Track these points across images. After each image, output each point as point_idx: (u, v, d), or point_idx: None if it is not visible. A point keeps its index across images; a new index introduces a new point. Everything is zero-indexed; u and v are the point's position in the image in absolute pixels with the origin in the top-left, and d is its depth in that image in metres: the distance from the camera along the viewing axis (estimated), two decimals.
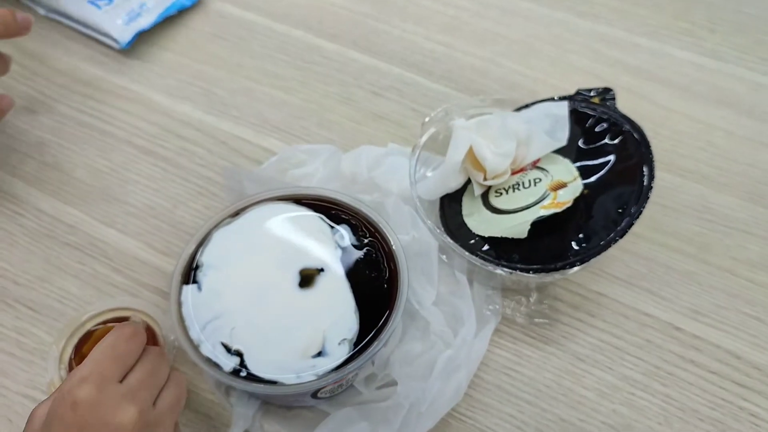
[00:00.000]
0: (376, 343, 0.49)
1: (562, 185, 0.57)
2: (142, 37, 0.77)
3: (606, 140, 0.58)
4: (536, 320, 0.57)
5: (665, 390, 0.54)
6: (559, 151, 0.59)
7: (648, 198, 0.52)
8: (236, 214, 0.56)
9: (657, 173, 0.55)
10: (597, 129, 0.59)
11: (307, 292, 0.51)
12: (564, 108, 0.59)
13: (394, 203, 0.57)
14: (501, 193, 0.58)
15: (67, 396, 0.39)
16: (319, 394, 0.50)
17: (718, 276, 0.60)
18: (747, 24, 0.79)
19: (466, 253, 0.55)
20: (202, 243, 0.54)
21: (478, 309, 0.56)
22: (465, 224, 0.58)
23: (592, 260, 0.53)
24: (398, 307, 0.50)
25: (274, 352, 0.49)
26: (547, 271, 0.53)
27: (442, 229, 0.59)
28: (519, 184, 0.58)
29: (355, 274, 0.52)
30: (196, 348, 0.49)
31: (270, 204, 0.56)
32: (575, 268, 0.53)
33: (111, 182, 0.67)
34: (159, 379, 0.45)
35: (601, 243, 0.52)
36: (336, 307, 0.50)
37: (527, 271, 0.54)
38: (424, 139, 0.61)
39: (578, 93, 0.62)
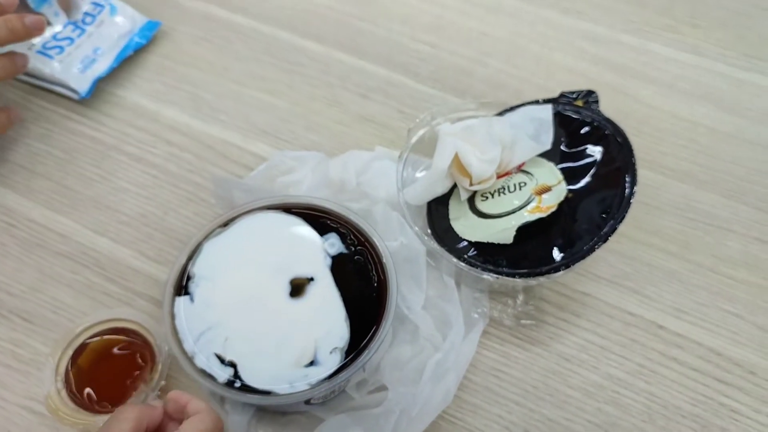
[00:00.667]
0: (366, 351, 0.50)
1: (547, 189, 0.58)
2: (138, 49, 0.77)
3: (589, 143, 0.59)
4: (523, 322, 0.58)
5: (649, 388, 0.56)
6: (544, 155, 0.59)
7: (630, 205, 0.53)
8: (226, 224, 0.57)
9: (640, 171, 0.56)
10: (580, 132, 0.60)
11: (298, 301, 0.52)
12: (548, 111, 0.60)
13: (382, 210, 0.58)
14: (487, 198, 0.59)
15: None
16: (312, 401, 0.52)
17: (699, 274, 0.61)
18: (728, 19, 0.80)
19: (454, 259, 0.56)
20: (193, 254, 0.55)
21: (466, 312, 0.57)
22: (452, 228, 0.59)
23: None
24: (388, 315, 0.51)
25: (267, 362, 0.50)
26: (533, 275, 0.54)
27: (430, 233, 0.60)
28: (504, 188, 0.59)
29: (344, 283, 0.53)
30: (190, 360, 0.50)
31: (260, 213, 0.57)
32: (560, 273, 0.54)
33: (102, 190, 0.67)
34: None
35: (585, 248, 0.54)
36: (327, 316, 0.52)
37: (513, 276, 0.55)
38: (410, 145, 0.62)
39: (562, 95, 0.63)
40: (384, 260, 0.54)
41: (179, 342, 0.51)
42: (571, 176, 0.58)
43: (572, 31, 0.79)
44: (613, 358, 0.57)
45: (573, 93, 0.63)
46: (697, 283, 0.61)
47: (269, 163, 0.65)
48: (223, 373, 0.49)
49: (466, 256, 0.57)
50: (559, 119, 0.61)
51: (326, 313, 0.52)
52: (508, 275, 0.55)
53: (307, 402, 0.51)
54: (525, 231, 0.56)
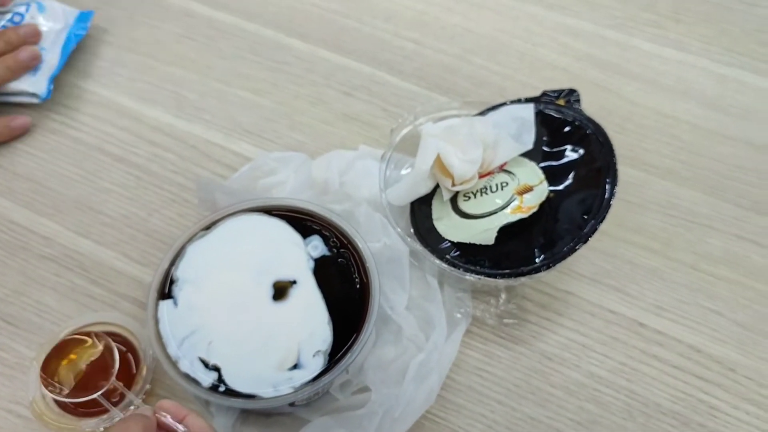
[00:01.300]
0: (350, 354, 0.50)
1: (529, 189, 0.58)
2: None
3: (571, 143, 0.59)
4: (506, 321, 0.59)
5: (630, 386, 0.56)
6: (526, 154, 0.60)
7: (610, 206, 0.54)
8: (209, 227, 0.57)
9: (623, 169, 0.56)
10: (562, 131, 0.60)
11: (281, 304, 0.52)
12: (530, 111, 0.60)
13: (365, 212, 0.59)
14: (469, 197, 0.59)
15: None
16: (296, 403, 0.52)
17: (680, 271, 0.62)
18: (711, 14, 0.80)
19: (437, 260, 0.56)
20: (176, 257, 0.55)
21: (449, 312, 0.58)
22: (435, 228, 0.59)
23: None
24: (371, 318, 0.52)
25: (251, 366, 0.50)
26: (515, 276, 0.55)
27: (413, 233, 0.60)
28: (486, 188, 0.59)
29: (327, 285, 0.53)
30: (174, 364, 0.50)
31: (243, 216, 0.57)
32: (541, 273, 0.54)
33: (84, 191, 0.67)
34: None
35: (566, 248, 0.54)
36: (310, 319, 0.52)
37: (495, 277, 0.55)
38: (393, 146, 0.62)
39: (544, 94, 0.63)
40: (367, 262, 0.54)
41: (163, 346, 0.51)
42: (552, 176, 0.58)
43: (556, 27, 0.79)
44: (595, 356, 0.58)
45: (555, 92, 0.63)
46: (678, 281, 0.61)
47: (252, 165, 0.65)
48: (208, 378, 0.50)
49: (448, 257, 0.57)
50: (541, 118, 0.61)
51: (309, 316, 0.52)
52: (489, 276, 0.55)
53: (292, 404, 0.52)
54: (507, 231, 0.56)
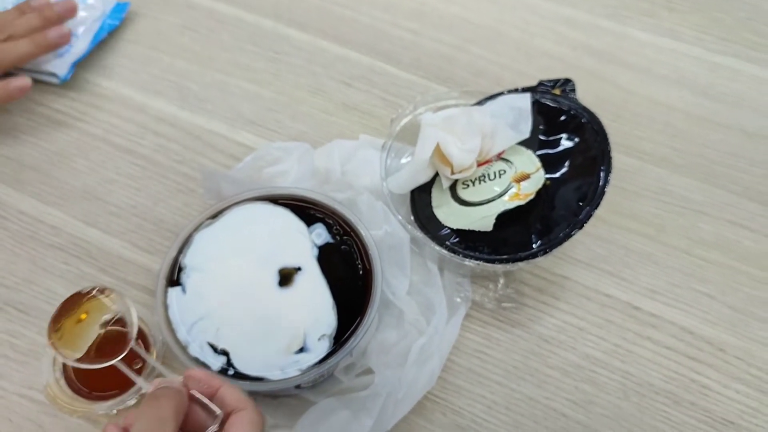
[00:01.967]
0: (353, 338, 0.52)
1: (526, 177, 0.60)
2: (112, 31, 0.78)
3: (566, 132, 0.61)
4: (504, 305, 0.61)
5: (624, 366, 0.58)
6: (523, 143, 0.61)
7: (605, 193, 0.55)
8: (215, 215, 0.58)
9: (617, 156, 0.58)
10: (558, 120, 0.62)
11: (287, 290, 0.54)
12: (527, 100, 0.62)
13: (366, 200, 0.60)
14: (468, 185, 0.61)
15: None
16: (302, 385, 0.54)
17: (673, 256, 0.64)
18: (704, 3, 0.81)
19: (436, 246, 0.58)
20: (184, 245, 0.56)
21: (449, 297, 0.59)
22: (435, 216, 0.61)
23: None
24: (373, 303, 0.53)
25: (259, 349, 0.52)
26: (513, 261, 0.57)
27: (413, 220, 0.62)
28: (485, 176, 0.61)
29: (331, 272, 0.55)
30: (184, 349, 0.52)
31: (248, 204, 0.59)
32: (538, 258, 0.56)
33: (91, 182, 0.68)
34: None
35: (562, 234, 0.56)
36: (315, 305, 0.53)
37: (493, 262, 0.57)
38: (393, 135, 0.64)
39: (540, 84, 0.65)
40: (369, 249, 0.56)
41: (173, 332, 0.53)
42: (548, 164, 0.60)
43: (552, 17, 0.80)
44: (590, 338, 0.60)
45: (551, 81, 0.64)
46: (671, 265, 0.63)
47: (256, 154, 0.66)
48: (217, 362, 0.51)
49: (448, 243, 0.59)
50: (538, 108, 0.62)
51: (314, 302, 0.54)
52: (488, 261, 0.57)
53: (298, 386, 0.54)
54: (505, 218, 0.58)
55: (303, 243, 0.56)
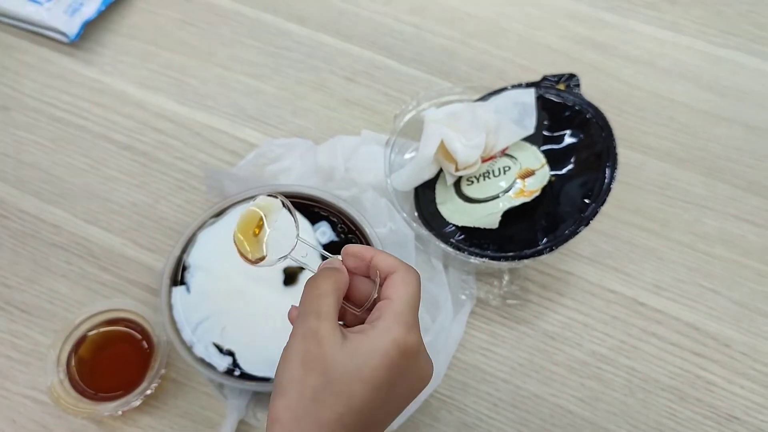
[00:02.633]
0: None
1: (531, 173, 0.59)
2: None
3: (571, 127, 0.60)
4: (509, 301, 0.60)
5: (630, 363, 0.58)
6: (527, 138, 0.61)
7: (610, 189, 0.55)
8: (219, 213, 0.58)
9: (621, 151, 0.57)
10: (562, 116, 0.61)
11: (292, 289, 0.54)
12: (531, 95, 0.61)
13: (371, 198, 0.60)
14: (472, 182, 0.61)
15: (400, 342, 0.37)
16: None
17: (678, 251, 0.64)
18: None
19: (442, 245, 0.58)
20: (188, 244, 0.56)
21: (454, 294, 0.59)
22: (439, 212, 0.61)
23: None
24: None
25: (264, 349, 0.52)
26: (518, 258, 0.56)
27: (417, 216, 0.61)
28: (489, 173, 0.60)
29: None
30: (189, 349, 0.52)
31: (249, 202, 0.58)
32: (544, 255, 0.56)
33: (91, 179, 0.68)
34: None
35: (567, 231, 0.55)
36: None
37: (499, 260, 0.57)
38: (397, 131, 0.63)
39: (545, 79, 0.64)
40: (374, 247, 0.55)
41: (177, 332, 0.53)
42: (553, 159, 0.60)
43: (555, 10, 0.80)
44: (596, 335, 0.60)
45: (555, 76, 0.64)
46: (675, 260, 0.63)
47: (258, 151, 0.66)
48: (222, 362, 0.51)
49: (453, 240, 0.59)
50: (542, 103, 0.62)
51: None
52: (493, 259, 0.57)
53: None
54: (510, 214, 0.57)
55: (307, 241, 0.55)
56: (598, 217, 0.56)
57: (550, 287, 0.62)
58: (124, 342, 0.56)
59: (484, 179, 0.60)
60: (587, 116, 0.60)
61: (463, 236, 0.59)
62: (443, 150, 0.59)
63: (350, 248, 0.42)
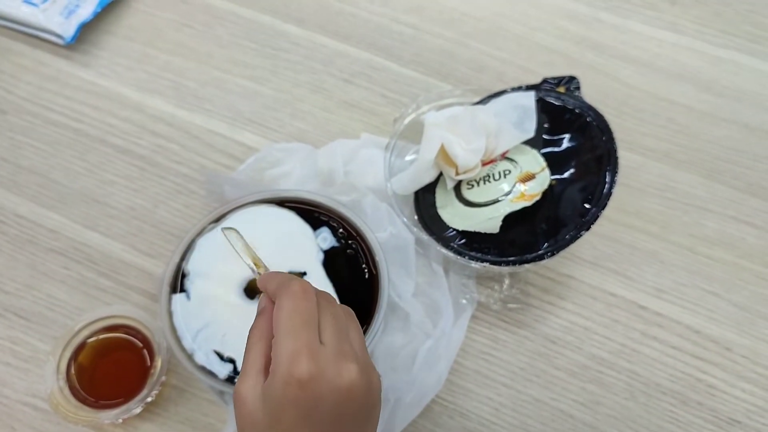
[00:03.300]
0: None
1: (531, 177, 0.59)
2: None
3: (571, 130, 0.60)
4: (510, 305, 0.60)
5: (631, 366, 0.58)
6: (527, 142, 0.60)
7: (611, 194, 0.55)
8: (218, 219, 0.57)
9: (621, 153, 0.57)
10: (563, 119, 0.61)
11: None
12: (531, 98, 0.61)
13: (371, 202, 0.60)
14: (473, 186, 0.60)
15: (291, 378, 0.36)
16: None
17: (678, 254, 0.64)
18: None
19: (443, 249, 0.58)
20: (187, 251, 0.56)
21: (454, 298, 0.59)
22: (439, 216, 0.61)
23: None
24: (380, 308, 0.53)
25: None
26: (519, 263, 0.56)
27: (417, 220, 0.61)
28: (490, 176, 0.60)
29: (337, 276, 0.55)
30: (190, 357, 0.52)
31: (252, 207, 0.58)
32: (545, 260, 0.56)
33: (89, 184, 0.67)
34: (342, 323, 0.41)
35: (568, 236, 0.55)
36: None
37: (500, 264, 0.57)
38: (396, 135, 0.63)
39: (545, 81, 0.64)
40: (375, 253, 0.55)
41: (178, 339, 0.52)
42: (554, 162, 0.60)
43: (553, 10, 0.79)
44: (597, 338, 0.60)
45: (555, 79, 0.63)
46: (676, 263, 0.63)
47: (258, 156, 0.65)
48: (223, 369, 0.51)
49: (454, 245, 0.58)
50: (542, 105, 0.62)
51: None
52: (494, 263, 0.57)
53: None
54: (511, 218, 0.57)
55: (309, 247, 0.55)
56: (598, 220, 0.56)
57: (551, 291, 0.62)
58: (124, 349, 0.56)
59: (485, 183, 0.60)
60: (587, 119, 0.60)
61: (463, 240, 0.59)
62: (443, 154, 0.59)
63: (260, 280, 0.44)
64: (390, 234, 0.59)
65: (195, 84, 0.74)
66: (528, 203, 0.57)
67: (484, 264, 0.57)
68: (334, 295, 0.53)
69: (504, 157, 0.61)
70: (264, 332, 0.41)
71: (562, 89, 0.63)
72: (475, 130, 0.59)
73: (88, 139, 0.70)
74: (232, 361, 0.51)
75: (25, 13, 0.74)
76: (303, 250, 0.55)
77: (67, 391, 0.54)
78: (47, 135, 0.70)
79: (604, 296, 0.61)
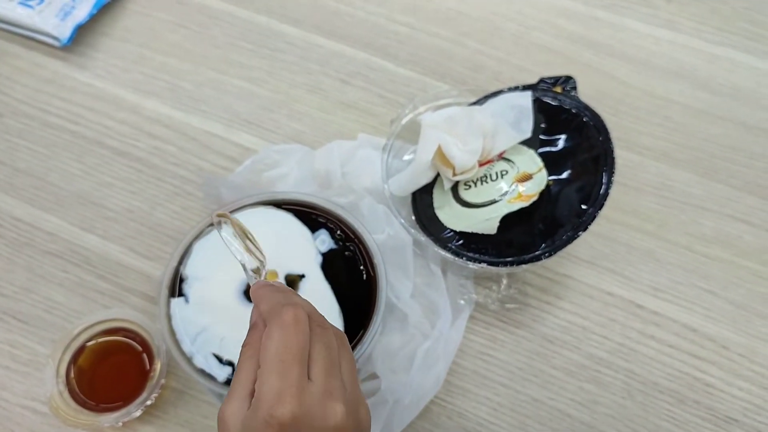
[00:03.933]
0: (360, 346, 0.52)
1: (528, 177, 0.59)
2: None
3: (568, 131, 0.60)
4: (507, 305, 0.61)
5: (628, 365, 0.59)
6: (524, 142, 0.61)
7: (608, 194, 0.55)
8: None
9: (618, 152, 0.57)
10: (559, 119, 0.61)
11: None
12: (527, 98, 0.61)
13: (368, 204, 0.60)
14: (470, 186, 0.60)
15: (272, 419, 0.35)
16: None
17: (675, 252, 0.64)
18: None
19: (441, 251, 0.58)
20: (184, 255, 0.56)
21: (452, 299, 0.59)
22: (436, 217, 0.61)
23: None
24: (379, 310, 0.53)
25: None
26: (517, 264, 0.56)
27: (414, 220, 0.61)
28: (487, 177, 0.60)
29: (335, 278, 0.55)
30: (189, 360, 0.52)
31: (250, 210, 0.58)
32: (542, 261, 0.56)
33: (86, 186, 0.67)
34: (334, 354, 0.40)
35: (566, 237, 0.55)
36: (320, 311, 0.53)
37: (497, 265, 0.57)
38: (393, 136, 0.63)
39: (541, 81, 0.64)
40: (373, 255, 0.55)
41: (177, 343, 0.52)
42: (550, 163, 0.60)
43: (549, 9, 0.79)
44: (594, 338, 0.60)
45: (551, 79, 0.63)
46: (673, 262, 0.63)
47: (255, 158, 0.65)
48: (222, 373, 0.51)
49: (451, 246, 0.59)
50: (539, 106, 0.62)
51: (320, 309, 0.53)
52: (492, 264, 0.57)
53: None
54: (508, 219, 0.57)
55: (307, 249, 0.56)
56: (595, 220, 0.56)
57: (549, 291, 0.62)
58: (123, 352, 0.56)
59: (482, 183, 0.60)
60: (584, 119, 0.60)
61: (461, 241, 0.59)
62: (440, 155, 0.59)
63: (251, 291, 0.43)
64: (387, 235, 0.59)
65: (191, 85, 0.73)
66: (525, 204, 0.57)
67: (482, 265, 0.57)
68: (332, 299, 0.54)
69: (501, 157, 0.61)
70: (255, 350, 0.39)
71: (558, 89, 0.63)
72: (472, 130, 0.59)
73: (85, 141, 0.70)
74: (231, 364, 0.51)
75: (20, 14, 0.74)
76: (301, 252, 0.55)
77: (66, 394, 0.54)
78: (44, 137, 0.70)
79: (602, 295, 0.62)
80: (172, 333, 0.53)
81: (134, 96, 0.73)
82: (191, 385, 0.57)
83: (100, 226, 0.65)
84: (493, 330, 0.60)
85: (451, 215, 0.60)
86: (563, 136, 0.60)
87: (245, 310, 0.53)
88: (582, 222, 0.56)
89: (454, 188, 0.61)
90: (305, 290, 0.54)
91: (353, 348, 0.52)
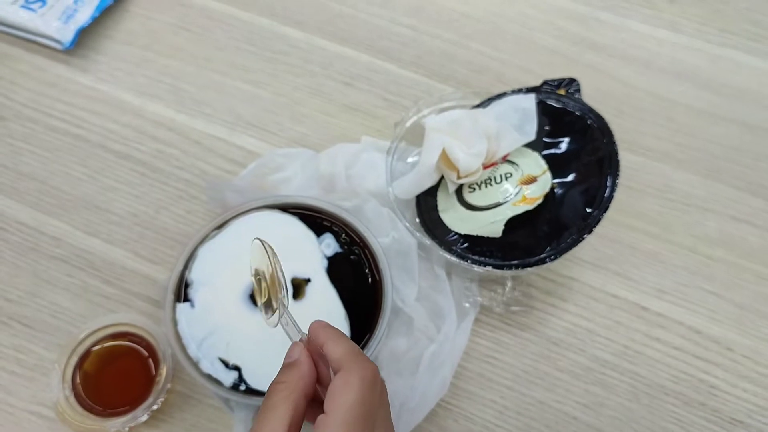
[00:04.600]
0: (365, 350, 0.52)
1: (532, 180, 0.59)
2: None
3: (572, 133, 0.60)
4: (512, 308, 0.61)
5: (633, 368, 0.59)
6: (528, 144, 0.61)
7: (613, 197, 0.55)
8: (221, 226, 0.58)
9: (621, 154, 0.57)
10: (563, 121, 0.61)
11: (299, 302, 0.54)
12: (531, 101, 0.61)
13: (373, 207, 0.60)
14: (474, 189, 0.61)
15: None
16: None
17: (679, 254, 0.64)
18: None
19: (446, 254, 0.58)
20: (189, 260, 0.56)
21: (457, 302, 0.59)
22: (441, 220, 0.61)
23: None
24: (384, 314, 0.53)
25: (270, 364, 0.51)
26: (522, 267, 0.56)
27: (419, 223, 0.61)
28: (491, 179, 0.60)
29: (341, 282, 0.55)
30: (195, 365, 0.52)
31: (254, 213, 0.58)
32: (547, 264, 0.56)
33: (90, 190, 0.67)
34: (389, 413, 0.41)
35: (570, 240, 0.56)
36: (327, 316, 0.53)
37: (502, 268, 0.57)
38: (397, 139, 0.63)
39: (545, 83, 0.64)
40: (378, 259, 0.55)
41: (183, 348, 0.52)
42: (554, 165, 0.60)
43: (551, 10, 0.79)
44: (599, 340, 0.60)
45: (555, 81, 0.64)
46: (677, 264, 0.63)
47: (260, 161, 0.65)
48: (228, 377, 0.51)
49: (456, 249, 0.59)
50: (542, 108, 0.62)
51: (326, 313, 0.53)
52: (497, 267, 0.57)
53: None
54: (512, 222, 0.57)
55: (313, 253, 0.56)
56: (600, 222, 0.56)
57: (554, 293, 0.62)
58: (129, 356, 0.56)
59: (486, 186, 0.60)
60: (588, 122, 0.60)
61: (466, 244, 0.59)
62: (445, 158, 0.59)
63: (313, 325, 0.41)
64: (392, 239, 0.59)
65: (194, 88, 0.73)
66: (530, 206, 0.58)
67: (487, 268, 0.57)
68: (338, 303, 0.54)
69: (505, 160, 0.61)
70: (293, 390, 0.38)
71: (562, 91, 0.63)
72: (476, 133, 0.59)
73: (89, 145, 0.70)
74: (237, 368, 0.51)
75: (23, 18, 0.74)
76: (307, 256, 0.55)
77: (72, 399, 0.54)
78: (47, 141, 0.70)
79: (606, 298, 0.62)
80: (178, 337, 0.53)
81: (137, 99, 0.73)
82: (197, 389, 0.57)
83: (105, 230, 0.65)
84: (499, 333, 0.60)
85: (455, 218, 0.60)
86: (567, 139, 0.61)
87: (251, 315, 0.53)
88: (587, 225, 0.56)
89: (459, 191, 0.61)
90: (311, 294, 0.54)
91: None
